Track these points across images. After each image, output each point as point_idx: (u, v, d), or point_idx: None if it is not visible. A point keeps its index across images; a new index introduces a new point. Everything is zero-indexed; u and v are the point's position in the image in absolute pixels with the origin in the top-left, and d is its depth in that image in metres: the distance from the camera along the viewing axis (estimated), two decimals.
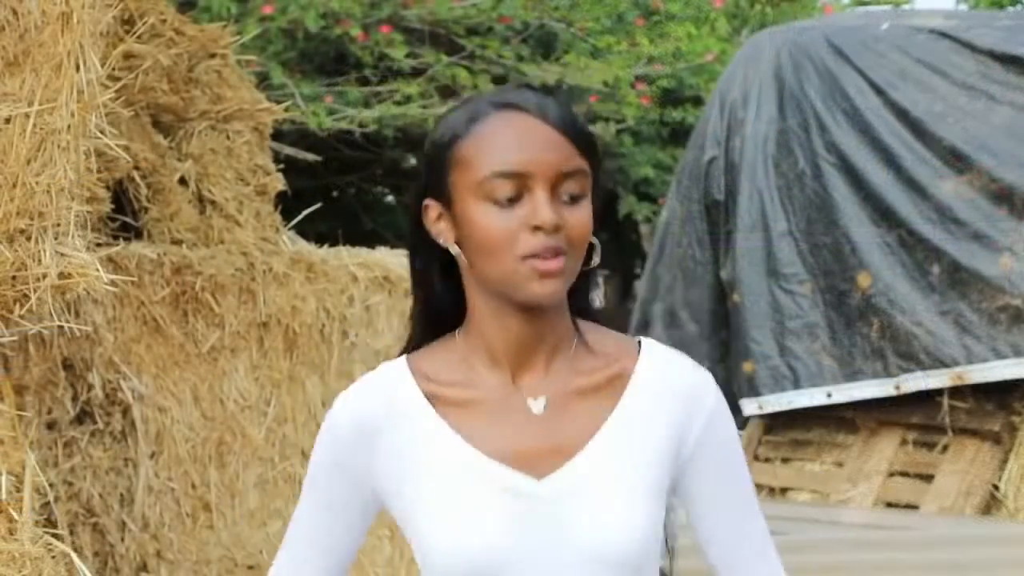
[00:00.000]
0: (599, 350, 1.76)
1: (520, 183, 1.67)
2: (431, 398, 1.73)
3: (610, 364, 1.76)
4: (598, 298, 1.82)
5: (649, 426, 1.74)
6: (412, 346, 1.79)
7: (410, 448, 1.72)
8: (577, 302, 1.78)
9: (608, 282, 12.54)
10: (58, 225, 3.36)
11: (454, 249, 1.71)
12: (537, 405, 1.73)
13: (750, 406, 6.03)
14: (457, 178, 1.70)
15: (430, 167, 1.73)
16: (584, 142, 1.72)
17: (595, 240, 1.74)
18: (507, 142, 1.68)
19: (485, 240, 1.67)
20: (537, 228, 1.66)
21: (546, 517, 1.69)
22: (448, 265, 1.75)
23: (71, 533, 4.19)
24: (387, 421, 1.73)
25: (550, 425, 1.72)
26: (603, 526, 1.69)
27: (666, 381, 1.76)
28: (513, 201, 1.67)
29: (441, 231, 1.72)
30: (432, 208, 1.73)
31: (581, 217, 1.69)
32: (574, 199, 1.69)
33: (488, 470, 1.70)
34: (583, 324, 1.78)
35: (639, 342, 1.79)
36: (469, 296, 1.74)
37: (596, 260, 1.75)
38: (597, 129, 9.54)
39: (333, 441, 1.76)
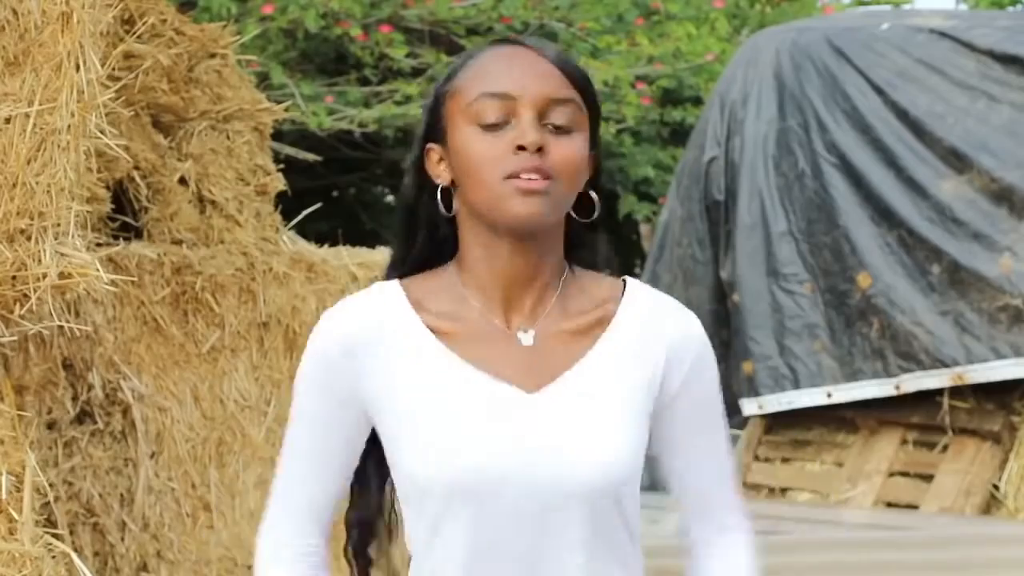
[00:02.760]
0: (589, 293, 1.79)
1: (507, 106, 1.70)
2: (426, 323, 1.75)
3: (597, 307, 1.78)
4: (605, 262, 1.83)
5: (631, 360, 1.76)
6: (394, 270, 1.80)
7: (402, 363, 1.74)
8: (579, 257, 1.80)
9: None
10: (58, 225, 3.37)
11: (446, 183, 1.74)
12: (526, 338, 1.75)
13: (750, 406, 6.03)
14: (451, 107, 1.74)
15: (430, 109, 1.78)
16: (578, 77, 1.75)
17: (594, 195, 1.77)
18: (498, 67, 1.73)
19: (472, 162, 1.70)
20: (521, 148, 1.68)
21: (540, 427, 1.71)
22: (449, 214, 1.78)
23: (71, 533, 4.19)
24: (377, 338, 1.74)
25: (538, 354, 1.74)
26: (596, 440, 1.71)
27: (649, 323, 1.78)
28: (500, 126, 1.70)
29: (440, 173, 1.76)
30: (433, 151, 1.77)
31: (569, 146, 1.72)
32: (563, 130, 1.72)
33: (482, 382, 1.72)
34: (578, 270, 1.80)
35: (624, 283, 1.82)
36: (461, 232, 1.76)
37: (592, 214, 1.77)
38: None
39: (320, 363, 1.77)
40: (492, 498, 1.68)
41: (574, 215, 1.77)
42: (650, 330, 1.77)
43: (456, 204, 1.76)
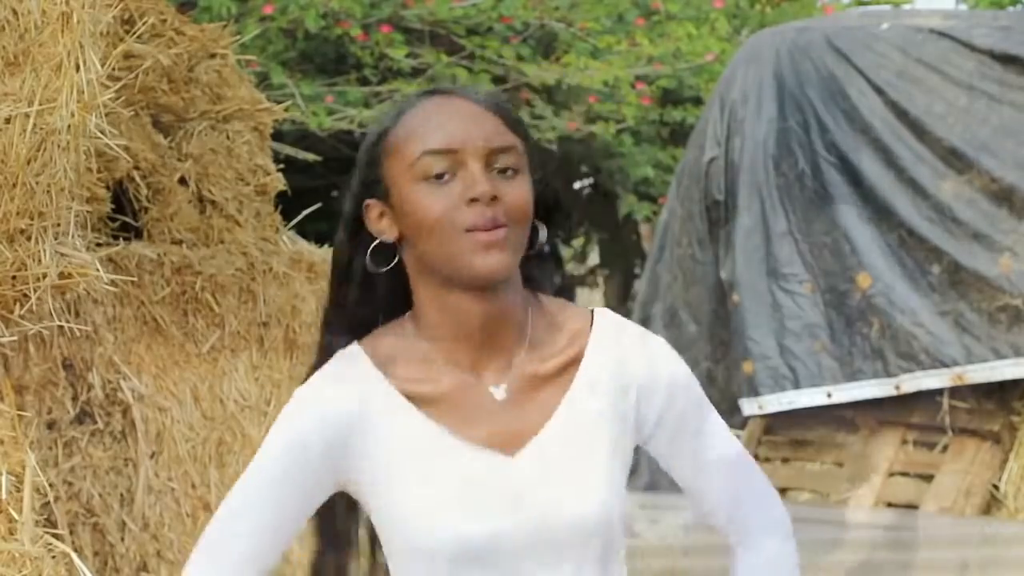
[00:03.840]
0: (558, 329, 1.78)
1: (452, 159, 1.69)
2: (400, 389, 1.73)
3: (568, 344, 1.77)
4: (554, 278, 1.82)
5: (605, 400, 1.75)
6: (334, 329, 1.77)
7: (383, 439, 1.72)
8: (533, 287, 1.79)
9: (608, 282, 12.54)
10: (58, 225, 3.37)
11: (392, 238, 1.72)
12: (499, 392, 1.74)
13: (750, 406, 6.03)
14: (391, 167, 1.72)
15: (366, 166, 1.75)
16: (512, 120, 1.74)
17: (539, 223, 1.75)
18: (436, 121, 1.71)
19: (425, 220, 1.69)
20: (474, 200, 1.67)
21: (524, 491, 1.70)
22: (389, 268, 1.75)
23: (71, 533, 4.19)
24: (360, 420, 1.72)
25: (513, 410, 1.73)
26: (581, 494, 1.71)
27: (619, 360, 1.77)
28: (447, 178, 1.69)
29: (383, 228, 1.74)
30: (373, 207, 1.74)
31: (518, 190, 1.70)
32: (509, 173, 1.71)
33: (461, 451, 1.70)
34: (542, 302, 1.79)
35: (591, 315, 1.81)
36: (416, 288, 1.74)
37: (542, 239, 1.76)
38: (597, 129, 9.54)
39: (295, 450, 1.73)
40: (488, 561, 1.69)
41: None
42: (621, 367, 1.77)
43: (406, 259, 1.73)
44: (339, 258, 1.79)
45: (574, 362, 1.76)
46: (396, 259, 1.74)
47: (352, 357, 1.75)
